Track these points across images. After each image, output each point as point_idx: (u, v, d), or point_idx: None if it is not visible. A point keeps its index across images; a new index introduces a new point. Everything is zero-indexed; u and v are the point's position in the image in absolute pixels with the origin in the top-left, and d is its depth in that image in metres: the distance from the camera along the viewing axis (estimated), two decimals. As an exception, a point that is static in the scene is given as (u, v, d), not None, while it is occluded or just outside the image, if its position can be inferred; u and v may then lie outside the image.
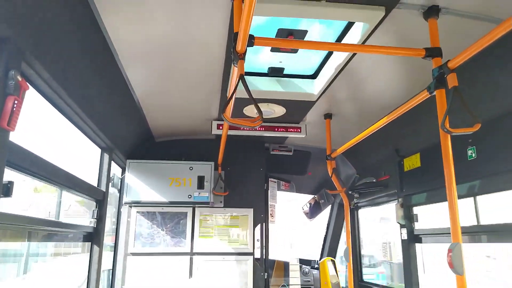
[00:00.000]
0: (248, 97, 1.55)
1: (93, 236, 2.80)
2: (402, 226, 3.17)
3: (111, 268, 3.53)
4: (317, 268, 5.04)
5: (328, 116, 3.14)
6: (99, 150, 2.98)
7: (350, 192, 3.85)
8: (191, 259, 3.56)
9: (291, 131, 3.32)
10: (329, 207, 5.12)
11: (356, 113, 3.10)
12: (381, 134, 2.68)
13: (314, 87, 2.66)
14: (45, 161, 1.91)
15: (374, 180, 3.63)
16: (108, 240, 3.60)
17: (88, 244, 2.79)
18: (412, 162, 3.05)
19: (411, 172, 3.04)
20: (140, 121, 3.19)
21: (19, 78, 1.48)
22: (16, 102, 1.46)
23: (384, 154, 3.50)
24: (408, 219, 3.11)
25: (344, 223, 4.53)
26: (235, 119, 1.66)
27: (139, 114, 3.04)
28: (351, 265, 3.21)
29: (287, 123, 3.30)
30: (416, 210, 3.14)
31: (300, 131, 3.32)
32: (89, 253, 2.78)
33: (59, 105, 2.09)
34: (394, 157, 3.29)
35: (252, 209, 3.76)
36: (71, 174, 2.29)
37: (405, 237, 3.12)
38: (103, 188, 2.94)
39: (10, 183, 1.53)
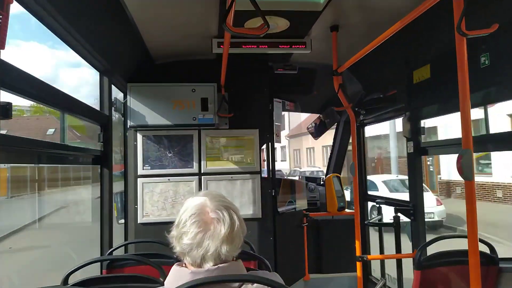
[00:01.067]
0: (248, 9, 1.43)
1: (102, 159, 2.84)
2: (408, 140, 3.17)
3: (123, 190, 3.64)
4: (323, 185, 5.20)
5: (334, 28, 2.97)
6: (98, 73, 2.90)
7: (356, 109, 3.80)
8: (199, 179, 3.65)
9: (295, 47, 3.17)
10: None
11: (365, 24, 2.92)
12: (389, 46, 2.55)
13: (319, -5, 2.47)
14: (43, 82, 1.85)
15: (381, 96, 3.56)
16: (117, 168, 3.67)
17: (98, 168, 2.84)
18: (422, 73, 2.94)
19: (420, 84, 2.96)
20: (137, 42, 3.05)
21: None
22: (0, 17, 1.35)
23: (391, 68, 3.38)
24: (415, 132, 3.10)
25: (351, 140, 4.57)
26: (238, 28, 1.55)
27: (136, 34, 2.90)
28: (357, 179, 3.27)
29: (291, 38, 3.14)
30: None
31: (305, 47, 3.16)
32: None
33: (51, 24, 1.97)
34: (402, 70, 3.18)
35: (258, 129, 3.75)
36: (72, 97, 2.24)
37: (411, 150, 3.13)
38: (106, 112, 2.92)
39: (8, 104, 1.49)
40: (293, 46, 3.17)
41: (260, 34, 1.56)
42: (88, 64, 2.65)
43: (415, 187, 3.16)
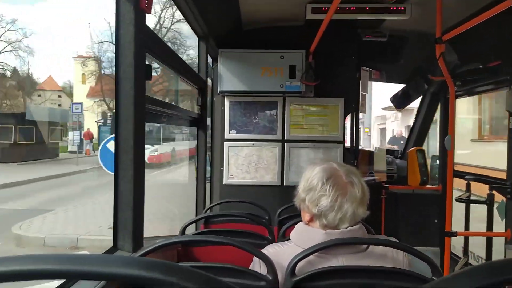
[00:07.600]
0: None
1: (199, 122, 2.99)
2: (511, 115, 2.97)
3: (210, 152, 3.82)
4: (400, 158, 5.06)
5: None
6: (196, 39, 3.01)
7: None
8: (282, 146, 3.72)
9: (394, 12, 3.03)
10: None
11: None
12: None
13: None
14: (168, 46, 1.96)
15: (480, 67, 3.32)
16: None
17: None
18: None
19: None
20: (233, 7, 3.08)
21: None
22: (149, -18, 1.44)
23: (496, 37, 3.13)
24: None
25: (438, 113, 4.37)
26: None
27: None
28: (453, 154, 3.15)
29: (389, 2, 3.00)
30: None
31: (404, 12, 3.01)
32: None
33: None
34: (509, 40, 2.93)
35: (343, 98, 3.69)
36: (183, 60, 2.35)
37: None
38: (203, 77, 3.03)
39: (148, 67, 1.60)
40: (391, 12, 3.03)
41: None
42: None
43: (515, 164, 2.99)
